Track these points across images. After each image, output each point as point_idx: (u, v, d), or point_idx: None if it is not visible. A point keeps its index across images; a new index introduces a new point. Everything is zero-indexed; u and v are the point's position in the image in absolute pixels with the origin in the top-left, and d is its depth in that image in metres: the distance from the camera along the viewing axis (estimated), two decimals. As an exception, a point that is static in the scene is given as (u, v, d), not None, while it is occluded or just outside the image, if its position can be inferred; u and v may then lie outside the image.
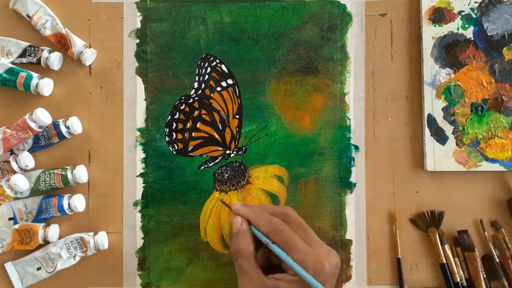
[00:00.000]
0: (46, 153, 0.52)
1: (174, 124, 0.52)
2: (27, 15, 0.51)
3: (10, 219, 0.50)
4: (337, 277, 0.43)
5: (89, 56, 0.51)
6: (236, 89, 0.53)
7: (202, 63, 0.52)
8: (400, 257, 0.52)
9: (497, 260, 0.51)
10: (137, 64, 0.53)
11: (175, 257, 0.52)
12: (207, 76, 0.52)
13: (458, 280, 0.50)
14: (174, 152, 0.52)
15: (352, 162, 0.52)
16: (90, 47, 0.53)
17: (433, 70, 0.52)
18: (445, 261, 0.51)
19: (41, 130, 0.50)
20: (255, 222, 0.44)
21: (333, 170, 0.52)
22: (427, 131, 0.51)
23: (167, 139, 0.52)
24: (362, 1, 0.53)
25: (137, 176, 0.52)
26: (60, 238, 0.51)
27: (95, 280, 0.52)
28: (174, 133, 0.52)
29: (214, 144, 0.52)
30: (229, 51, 0.53)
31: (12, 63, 0.51)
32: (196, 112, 0.52)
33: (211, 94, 0.52)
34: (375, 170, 0.53)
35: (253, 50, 0.53)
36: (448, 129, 0.51)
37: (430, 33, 0.52)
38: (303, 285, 0.40)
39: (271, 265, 0.44)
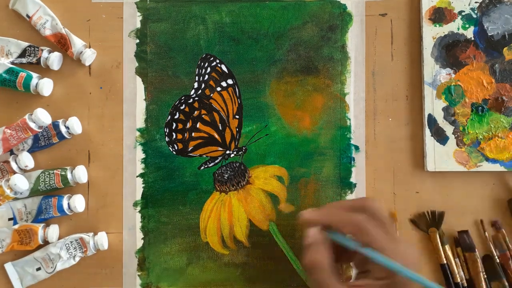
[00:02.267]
0: (45, 153, 0.52)
1: (174, 124, 0.52)
2: (27, 15, 0.51)
3: (9, 219, 0.50)
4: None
5: (89, 56, 0.51)
6: (236, 89, 0.52)
7: (202, 63, 0.52)
8: (400, 257, 0.52)
9: (498, 260, 0.51)
10: (137, 64, 0.53)
11: (175, 257, 0.52)
12: (207, 76, 0.52)
13: (459, 280, 0.50)
14: (174, 152, 0.52)
15: (352, 162, 0.52)
16: (90, 47, 0.53)
17: (433, 70, 0.52)
18: (445, 262, 0.51)
19: (41, 130, 0.50)
20: (334, 223, 0.39)
21: (333, 170, 0.52)
22: (427, 131, 0.51)
23: (167, 139, 0.52)
24: (362, 1, 0.53)
25: (137, 177, 0.52)
26: (59, 238, 0.51)
27: (94, 280, 0.52)
28: (174, 133, 0.52)
29: (214, 144, 0.52)
30: (229, 51, 0.53)
31: (12, 63, 0.51)
32: (196, 112, 0.52)
33: (211, 94, 0.52)
34: (376, 171, 0.52)
35: (253, 50, 0.53)
36: (448, 129, 0.51)
37: (431, 33, 0.52)
38: None
39: (342, 256, 0.41)
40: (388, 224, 0.39)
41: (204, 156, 0.52)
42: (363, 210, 0.40)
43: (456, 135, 0.51)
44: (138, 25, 0.53)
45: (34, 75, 0.50)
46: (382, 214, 0.40)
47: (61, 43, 0.51)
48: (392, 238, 0.38)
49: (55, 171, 0.50)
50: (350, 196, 0.52)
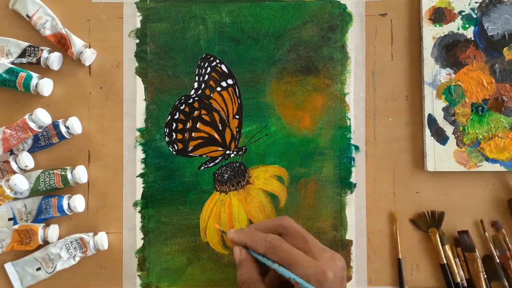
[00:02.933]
0: (45, 154, 0.52)
1: (174, 124, 0.52)
2: (27, 15, 0.51)
3: (9, 219, 0.50)
4: (345, 279, 0.42)
5: (89, 56, 0.51)
6: (236, 89, 0.52)
7: (202, 63, 0.52)
8: (400, 257, 0.52)
9: (498, 260, 0.51)
10: (137, 64, 0.53)
11: (175, 257, 0.52)
12: (207, 76, 0.52)
13: (459, 280, 0.50)
14: (174, 152, 0.52)
15: (352, 162, 0.52)
16: (90, 47, 0.53)
17: (433, 70, 0.52)
18: (445, 262, 0.51)
19: (41, 130, 0.50)
20: (251, 246, 0.43)
21: (333, 170, 0.52)
22: (427, 131, 0.51)
23: (167, 139, 0.52)
24: (362, 1, 0.53)
25: (137, 177, 0.52)
26: (59, 238, 0.51)
27: (94, 280, 0.52)
28: (174, 133, 0.52)
29: (214, 144, 0.52)
30: (229, 51, 0.52)
31: (12, 63, 0.51)
32: (196, 112, 0.52)
33: (211, 94, 0.52)
34: (376, 171, 0.52)
35: (253, 50, 0.53)
36: (448, 129, 0.51)
37: (431, 33, 0.52)
38: None
39: (283, 282, 0.44)
40: (307, 237, 0.42)
41: (204, 156, 0.52)
42: (281, 228, 0.43)
43: (456, 135, 0.51)
44: (138, 25, 0.53)
45: (34, 75, 0.50)
46: (298, 230, 0.43)
47: (61, 43, 0.51)
48: (312, 250, 0.41)
49: (55, 171, 0.50)
50: (350, 196, 0.52)
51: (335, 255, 0.42)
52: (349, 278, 0.52)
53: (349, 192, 0.52)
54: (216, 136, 0.52)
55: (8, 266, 0.50)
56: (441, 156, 0.51)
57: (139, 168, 0.52)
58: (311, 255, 0.41)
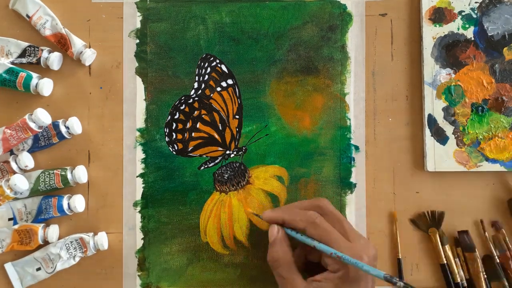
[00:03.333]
0: (45, 154, 0.52)
1: (174, 124, 0.52)
2: (27, 15, 0.51)
3: (9, 219, 0.50)
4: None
5: (89, 56, 0.51)
6: (236, 89, 0.52)
7: (202, 63, 0.52)
8: (400, 257, 0.52)
9: (498, 260, 0.51)
10: (137, 64, 0.53)
11: (175, 257, 0.52)
12: (207, 76, 0.52)
13: (459, 280, 0.50)
14: (174, 153, 0.52)
15: (352, 162, 0.52)
16: (90, 47, 0.53)
17: (433, 70, 0.52)
18: (445, 262, 0.51)
19: (41, 130, 0.50)
20: (290, 221, 0.43)
21: (333, 170, 0.52)
22: (427, 131, 0.51)
23: (167, 139, 0.52)
24: (362, 1, 0.53)
25: (137, 177, 0.52)
26: (59, 238, 0.51)
27: (94, 280, 0.52)
28: (174, 133, 0.52)
29: (214, 144, 0.52)
30: (229, 51, 0.52)
31: (12, 63, 0.51)
32: (196, 112, 0.52)
33: (211, 94, 0.52)
34: (376, 171, 0.52)
35: (253, 50, 0.53)
36: (448, 129, 0.51)
37: (431, 33, 0.52)
38: (347, 279, 0.40)
39: (309, 263, 0.44)
40: (343, 221, 0.43)
41: (204, 156, 0.52)
42: (319, 209, 0.44)
43: (456, 135, 0.51)
44: (138, 25, 0.53)
45: (34, 75, 0.50)
46: (335, 212, 0.43)
47: (61, 43, 0.51)
48: (348, 233, 0.42)
49: (55, 171, 0.50)
50: (350, 196, 0.52)
51: (370, 243, 0.42)
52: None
53: (349, 192, 0.52)
54: (216, 136, 0.52)
55: (8, 266, 0.50)
56: (441, 156, 0.51)
57: (139, 168, 0.52)
58: (346, 237, 0.41)
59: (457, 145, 0.51)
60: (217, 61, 0.52)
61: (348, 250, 0.40)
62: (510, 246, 0.51)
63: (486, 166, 0.51)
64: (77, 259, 0.50)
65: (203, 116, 0.52)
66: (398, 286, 0.38)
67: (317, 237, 0.41)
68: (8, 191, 0.48)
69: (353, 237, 0.42)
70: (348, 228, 0.42)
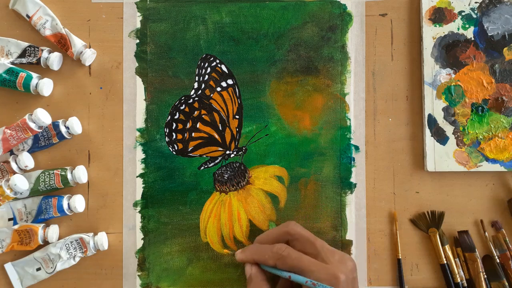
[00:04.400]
0: (45, 154, 0.52)
1: (174, 125, 0.52)
2: (27, 15, 0.51)
3: (9, 219, 0.50)
4: (357, 278, 0.42)
5: (89, 56, 0.51)
6: (236, 89, 0.52)
7: (202, 63, 0.52)
8: (400, 257, 0.52)
9: (498, 260, 0.51)
10: (137, 64, 0.53)
11: (175, 257, 0.52)
12: (207, 76, 0.52)
13: (459, 280, 0.50)
14: (174, 153, 0.52)
15: (352, 162, 0.52)
16: (90, 47, 0.53)
17: (433, 70, 0.52)
18: (445, 262, 0.51)
19: (41, 130, 0.50)
20: (260, 261, 0.43)
21: (333, 170, 0.52)
22: (427, 131, 0.51)
23: (167, 139, 0.52)
24: (362, 1, 0.53)
25: (137, 177, 0.52)
26: (59, 238, 0.51)
27: (94, 280, 0.52)
28: (174, 134, 0.52)
29: (214, 144, 0.52)
30: (229, 51, 0.52)
31: (12, 63, 0.51)
32: (196, 112, 0.52)
33: (211, 95, 0.52)
34: (376, 171, 0.52)
35: (253, 50, 0.53)
36: (448, 129, 0.51)
37: (431, 33, 0.52)
38: None
39: (293, 286, 0.44)
40: (314, 241, 0.42)
41: (204, 156, 0.52)
42: (287, 235, 0.44)
43: (456, 135, 0.51)
44: (138, 25, 0.53)
45: (34, 75, 0.50)
46: (304, 233, 0.43)
47: (61, 43, 0.51)
48: (320, 253, 0.42)
49: (55, 171, 0.50)
50: (350, 196, 0.52)
51: (345, 256, 0.42)
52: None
53: (349, 192, 0.52)
54: (216, 136, 0.52)
55: (8, 266, 0.50)
56: (441, 156, 0.51)
57: (139, 168, 0.52)
58: (320, 258, 0.41)
59: (457, 145, 0.51)
60: (217, 61, 0.52)
61: (323, 272, 0.40)
62: (510, 246, 0.51)
63: (486, 166, 0.51)
64: (77, 259, 0.50)
65: (203, 116, 0.52)
66: None
67: (290, 269, 0.41)
68: (8, 191, 0.48)
69: (326, 257, 0.42)
70: (320, 248, 0.42)
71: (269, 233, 0.46)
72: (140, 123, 0.52)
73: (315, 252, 0.42)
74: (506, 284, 0.50)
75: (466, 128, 0.51)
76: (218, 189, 0.52)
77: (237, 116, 0.52)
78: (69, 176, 0.50)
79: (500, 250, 0.51)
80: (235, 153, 0.52)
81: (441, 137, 0.51)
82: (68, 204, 0.50)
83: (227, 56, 0.52)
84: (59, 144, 0.52)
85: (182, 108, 0.52)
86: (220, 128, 0.52)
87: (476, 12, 0.51)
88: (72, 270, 0.51)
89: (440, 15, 0.52)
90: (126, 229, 0.52)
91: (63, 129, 0.51)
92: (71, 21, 0.52)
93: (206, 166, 0.52)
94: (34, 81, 0.50)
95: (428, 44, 0.52)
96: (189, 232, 0.52)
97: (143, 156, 0.52)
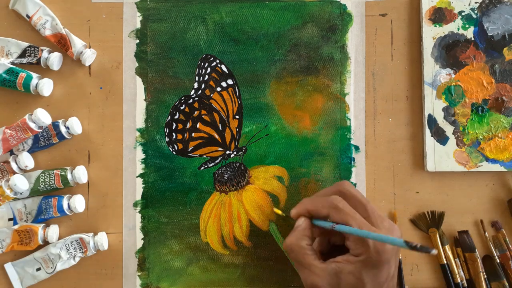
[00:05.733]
0: (45, 154, 0.52)
1: (174, 125, 0.52)
2: (27, 15, 0.51)
3: (9, 219, 0.50)
4: (400, 251, 0.42)
5: (89, 56, 0.51)
6: (236, 89, 0.52)
7: (202, 63, 0.52)
8: (400, 257, 0.52)
9: (498, 260, 0.51)
10: (137, 65, 0.53)
11: (175, 257, 0.52)
12: (207, 77, 0.52)
13: (459, 280, 0.50)
14: (174, 153, 0.52)
15: (352, 162, 0.52)
16: (90, 47, 0.53)
17: (433, 71, 0.52)
18: (445, 262, 0.51)
19: (41, 130, 0.50)
20: (314, 210, 0.43)
21: (334, 170, 0.52)
22: (427, 132, 0.51)
23: (167, 139, 0.52)
24: (362, 1, 0.53)
25: (137, 177, 0.52)
26: (59, 238, 0.51)
27: (94, 280, 0.52)
28: (174, 134, 0.52)
29: (214, 144, 0.52)
30: (229, 51, 0.52)
31: (12, 63, 0.51)
32: (196, 112, 0.52)
33: (211, 95, 0.52)
34: (376, 171, 0.52)
35: (253, 50, 0.53)
36: (448, 129, 0.51)
37: (431, 33, 0.52)
38: (368, 264, 0.39)
39: (333, 248, 0.44)
40: (366, 204, 0.42)
41: (204, 156, 0.52)
42: (340, 194, 0.43)
43: (456, 135, 0.51)
44: (138, 25, 0.53)
45: (34, 75, 0.50)
46: (357, 195, 0.43)
47: (61, 43, 0.51)
48: (371, 217, 0.41)
49: (55, 171, 0.50)
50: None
51: (394, 226, 0.42)
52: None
53: (349, 192, 0.52)
54: (216, 136, 0.52)
55: (8, 266, 0.50)
56: (441, 156, 0.51)
57: (139, 168, 0.52)
58: (369, 221, 0.41)
59: (457, 145, 0.51)
60: (217, 61, 0.52)
61: (373, 230, 0.40)
62: (510, 246, 0.51)
63: (486, 166, 0.51)
64: (77, 259, 0.50)
65: (203, 116, 0.52)
66: (418, 251, 0.35)
67: (341, 222, 0.41)
68: (8, 191, 0.48)
69: (376, 221, 0.41)
70: (371, 211, 0.42)
71: (323, 191, 0.46)
72: (140, 123, 0.52)
73: (365, 214, 0.41)
74: (506, 284, 0.50)
75: (466, 128, 0.51)
76: (218, 189, 0.52)
77: (237, 116, 0.52)
78: (69, 176, 0.50)
79: (500, 250, 0.51)
80: (235, 153, 0.52)
81: (441, 137, 0.51)
82: (68, 204, 0.50)
83: (227, 56, 0.52)
84: (59, 144, 0.52)
85: (182, 108, 0.52)
86: (220, 128, 0.52)
87: (476, 12, 0.51)
88: (72, 270, 0.51)
89: (440, 15, 0.52)
90: (126, 229, 0.52)
91: (63, 129, 0.51)
92: (71, 21, 0.52)
93: (206, 166, 0.52)
94: (34, 81, 0.50)
95: (428, 44, 0.52)
96: (189, 232, 0.52)
97: (143, 156, 0.52)
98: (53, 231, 0.50)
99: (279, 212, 0.49)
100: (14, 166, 0.50)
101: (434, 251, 0.34)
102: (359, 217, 0.41)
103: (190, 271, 0.52)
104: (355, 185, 0.52)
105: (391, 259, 0.40)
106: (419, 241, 0.52)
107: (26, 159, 0.50)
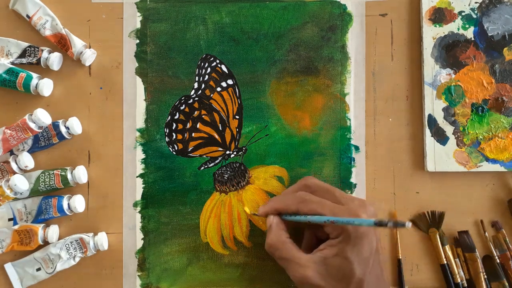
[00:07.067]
0: (45, 154, 0.52)
1: (174, 125, 0.52)
2: (27, 16, 0.51)
3: (9, 219, 0.50)
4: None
5: (89, 56, 0.51)
6: (236, 89, 0.52)
7: (202, 64, 0.52)
8: (400, 258, 0.52)
9: (498, 260, 0.51)
10: (137, 65, 0.53)
11: (175, 258, 0.52)
12: (207, 77, 0.52)
13: (459, 280, 0.50)
14: (174, 153, 0.52)
15: (352, 162, 0.52)
16: (90, 48, 0.53)
17: (433, 71, 0.52)
18: (445, 262, 0.51)
19: (41, 130, 0.50)
20: (283, 207, 0.44)
21: (334, 170, 0.52)
22: (427, 132, 0.51)
23: (167, 139, 0.52)
24: (362, 1, 0.53)
25: (137, 177, 0.52)
26: (59, 238, 0.51)
27: (94, 281, 0.52)
28: (174, 134, 0.52)
29: (214, 144, 0.52)
30: (229, 51, 0.52)
31: (12, 63, 0.51)
32: (196, 112, 0.52)
33: (211, 95, 0.52)
34: (376, 171, 0.52)
35: (253, 50, 0.53)
36: (448, 129, 0.51)
37: (431, 34, 0.52)
38: (349, 241, 0.40)
39: (321, 242, 0.44)
40: (333, 191, 0.43)
41: (204, 156, 0.52)
42: (306, 188, 0.45)
43: (456, 135, 0.51)
44: (138, 26, 0.53)
45: (34, 75, 0.50)
46: (323, 185, 0.44)
47: (61, 43, 0.51)
48: (339, 199, 0.42)
49: (55, 171, 0.50)
50: (350, 196, 0.52)
51: (365, 202, 0.42)
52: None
53: (349, 192, 0.52)
54: (216, 136, 0.52)
55: (8, 267, 0.50)
56: (441, 156, 0.51)
57: (139, 168, 0.52)
58: (339, 203, 0.42)
59: (457, 145, 0.51)
60: (217, 61, 0.52)
61: (343, 212, 0.40)
62: (510, 247, 0.51)
63: (486, 166, 0.51)
64: (77, 259, 0.50)
65: (203, 116, 0.52)
66: (389, 227, 0.37)
67: (311, 213, 0.42)
68: (8, 192, 0.48)
69: (346, 202, 0.42)
70: (340, 195, 0.43)
71: (287, 190, 0.47)
72: (140, 123, 0.52)
73: (335, 200, 0.42)
74: (506, 284, 0.50)
75: (466, 128, 0.51)
76: (218, 189, 0.52)
77: (237, 116, 0.52)
78: (69, 176, 0.50)
79: (500, 250, 0.51)
80: (235, 153, 0.52)
81: (441, 137, 0.51)
82: (68, 204, 0.50)
83: (227, 56, 0.52)
84: (59, 144, 0.52)
85: (182, 108, 0.52)
86: (220, 128, 0.52)
87: (476, 12, 0.51)
88: (72, 270, 0.51)
89: (440, 15, 0.52)
90: (126, 229, 0.52)
91: (63, 129, 0.51)
92: (71, 21, 0.52)
93: (206, 166, 0.52)
94: (34, 81, 0.50)
95: (428, 44, 0.52)
96: (189, 232, 0.52)
97: (143, 156, 0.52)
98: (53, 231, 0.50)
99: (248, 210, 0.50)
100: (14, 166, 0.50)
101: (408, 224, 0.34)
102: (328, 203, 0.42)
103: (190, 271, 0.52)
104: (355, 185, 0.52)
105: (369, 232, 0.41)
106: (419, 241, 0.52)
107: (26, 159, 0.50)
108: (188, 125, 0.52)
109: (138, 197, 0.52)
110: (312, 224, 0.43)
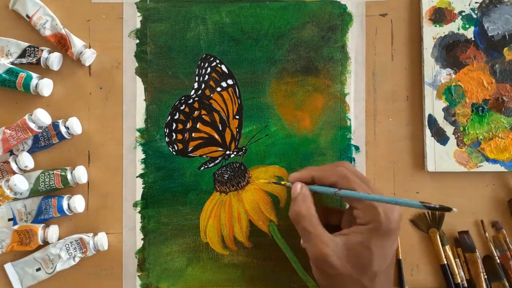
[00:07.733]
0: (45, 154, 0.52)
1: (174, 125, 0.52)
2: (27, 16, 0.51)
3: (9, 219, 0.50)
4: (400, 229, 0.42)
5: (89, 56, 0.51)
6: (236, 89, 0.52)
7: (202, 64, 0.52)
8: (400, 258, 0.52)
9: (498, 261, 0.51)
10: (136, 65, 0.53)
11: (175, 258, 0.52)
12: (207, 77, 0.52)
13: (459, 281, 0.50)
14: (174, 153, 0.52)
15: (352, 162, 0.52)
16: (89, 48, 0.52)
17: (433, 71, 0.51)
18: (446, 262, 0.51)
19: (41, 130, 0.50)
20: (320, 176, 0.43)
21: (334, 170, 0.52)
22: (427, 132, 0.51)
23: (167, 139, 0.52)
24: (362, 1, 0.53)
25: (136, 177, 0.52)
26: (59, 239, 0.51)
27: (94, 281, 0.52)
28: (174, 134, 0.52)
29: (214, 144, 0.52)
30: (229, 51, 0.52)
31: (12, 63, 0.51)
32: (196, 112, 0.52)
33: (211, 95, 0.52)
34: (376, 171, 0.52)
35: (253, 50, 0.52)
36: (448, 129, 0.51)
37: (431, 34, 0.52)
38: (377, 232, 0.39)
39: (330, 227, 0.44)
40: (368, 182, 0.43)
41: (204, 156, 0.52)
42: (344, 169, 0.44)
43: (456, 136, 0.51)
44: (138, 25, 0.53)
45: (34, 75, 0.50)
46: (359, 173, 0.44)
47: (61, 43, 0.51)
48: (374, 190, 0.42)
49: (55, 171, 0.50)
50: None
51: (395, 205, 0.42)
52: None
53: (349, 192, 0.52)
54: (216, 136, 0.52)
55: (8, 267, 0.50)
56: (441, 157, 0.51)
57: (139, 168, 0.52)
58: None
59: (458, 145, 0.51)
60: (217, 61, 0.52)
61: (378, 206, 0.40)
62: (511, 247, 0.51)
63: (487, 167, 0.51)
64: (77, 259, 0.50)
65: (203, 116, 0.52)
66: (435, 209, 0.36)
67: (349, 189, 0.41)
68: (8, 192, 0.48)
69: (378, 193, 0.41)
70: (372, 187, 0.42)
71: (323, 166, 0.46)
72: (140, 123, 0.52)
73: (367, 190, 0.42)
74: (507, 284, 0.50)
75: (466, 128, 0.51)
76: (218, 189, 0.52)
77: (237, 116, 0.52)
78: (69, 176, 0.50)
79: (501, 250, 0.51)
80: (235, 153, 0.52)
81: (441, 137, 0.51)
82: (68, 204, 0.50)
83: (227, 56, 0.52)
84: (59, 144, 0.52)
85: (182, 108, 0.52)
86: (220, 128, 0.52)
87: (476, 12, 0.51)
88: (72, 270, 0.51)
89: (440, 15, 0.52)
90: (126, 229, 0.52)
91: (63, 129, 0.51)
92: (71, 21, 0.52)
93: (206, 166, 0.52)
94: (34, 81, 0.50)
95: (428, 44, 0.52)
96: (189, 233, 0.52)
97: (143, 156, 0.52)
98: (53, 231, 0.50)
99: (267, 181, 0.50)
100: (14, 166, 0.50)
101: (455, 210, 0.34)
102: (366, 188, 0.41)
103: (190, 272, 0.52)
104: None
105: (397, 230, 0.40)
106: (419, 241, 0.52)
107: (26, 159, 0.50)
108: (188, 125, 0.52)
109: (138, 197, 0.52)
110: (328, 209, 0.42)
